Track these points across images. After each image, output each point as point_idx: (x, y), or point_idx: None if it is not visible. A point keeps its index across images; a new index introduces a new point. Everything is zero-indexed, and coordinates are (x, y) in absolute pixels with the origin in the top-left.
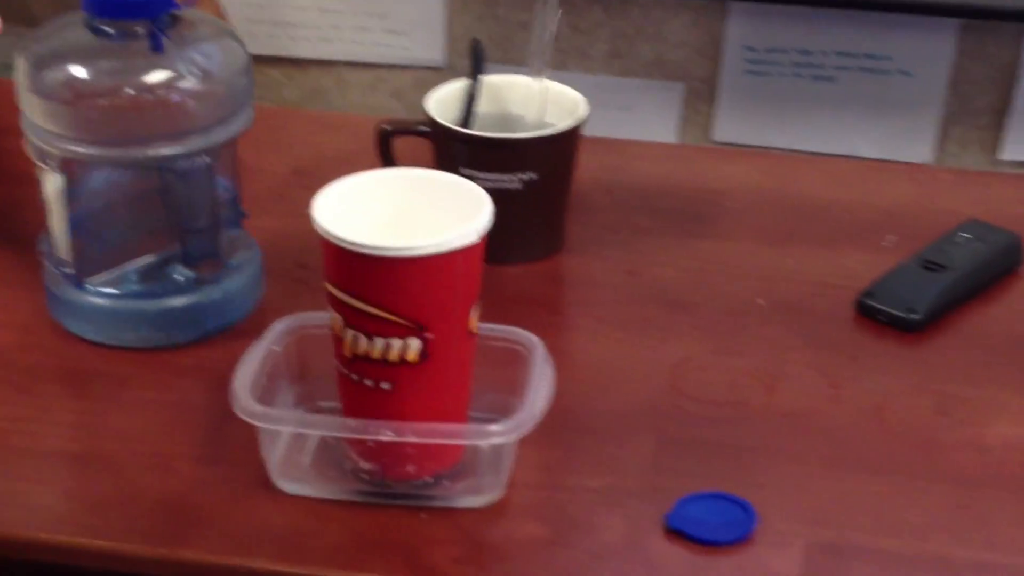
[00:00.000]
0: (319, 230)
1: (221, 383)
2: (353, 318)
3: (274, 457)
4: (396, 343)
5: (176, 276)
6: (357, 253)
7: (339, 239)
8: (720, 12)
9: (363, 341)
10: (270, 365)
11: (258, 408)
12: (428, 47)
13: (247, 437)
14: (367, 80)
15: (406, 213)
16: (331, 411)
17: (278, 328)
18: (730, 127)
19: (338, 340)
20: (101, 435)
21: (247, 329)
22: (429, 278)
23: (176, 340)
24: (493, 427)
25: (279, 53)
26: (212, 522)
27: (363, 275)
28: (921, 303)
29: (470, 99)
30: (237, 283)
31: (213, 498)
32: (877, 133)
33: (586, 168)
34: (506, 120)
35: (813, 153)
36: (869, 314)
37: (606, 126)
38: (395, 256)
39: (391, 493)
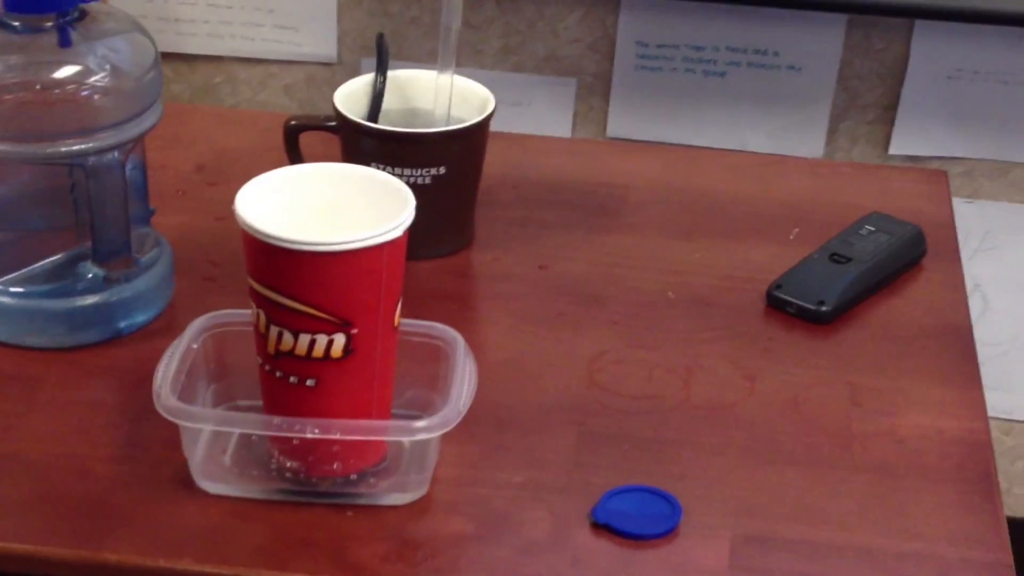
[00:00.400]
0: (243, 225)
1: (135, 383)
2: (278, 315)
3: (196, 457)
4: (322, 339)
5: (87, 274)
6: (283, 248)
7: (265, 234)
8: (612, 8)
9: (288, 338)
10: (188, 363)
11: (182, 407)
12: (319, 42)
13: (166, 437)
14: (258, 76)
15: (329, 208)
16: (250, 409)
17: (196, 325)
18: (623, 122)
19: (261, 337)
20: (16, 438)
21: (158, 328)
22: (356, 273)
23: (87, 340)
24: (419, 423)
25: (168, 49)
26: (134, 523)
27: (289, 271)
28: (830, 295)
29: (377, 94)
30: (148, 281)
31: (134, 499)
32: (768, 128)
33: (490, 163)
34: (412, 115)
35: (706, 148)
36: (779, 306)
37: (500, 122)
38: (322, 251)
39: (316, 491)
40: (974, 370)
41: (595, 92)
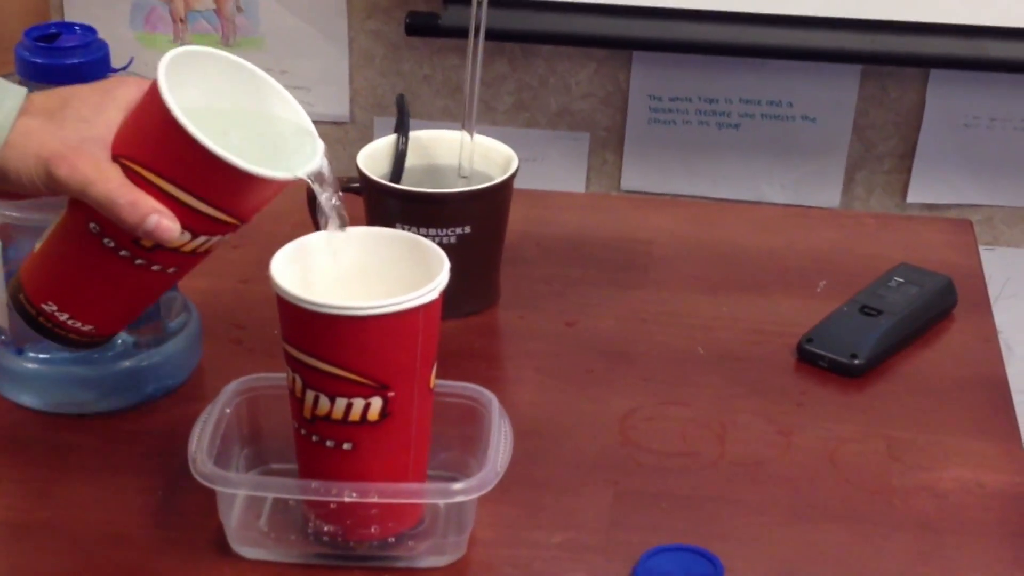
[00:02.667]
0: (278, 291)
1: (167, 447)
2: (314, 379)
3: (232, 522)
4: (359, 403)
5: (117, 340)
6: (320, 313)
7: (301, 300)
8: (624, 62)
9: (324, 402)
10: (222, 428)
11: (219, 472)
12: (331, 102)
13: (200, 502)
14: None
15: (363, 271)
16: (284, 473)
17: (229, 390)
18: (637, 176)
19: (297, 401)
20: (50, 505)
21: (186, 392)
22: (393, 336)
23: (116, 405)
24: (458, 485)
25: None
26: None
27: (326, 335)
28: (862, 348)
29: (399, 155)
30: (176, 346)
31: (172, 565)
32: (784, 179)
33: (511, 220)
34: (434, 174)
35: (724, 200)
36: (810, 360)
37: (516, 178)
38: (359, 315)
39: (353, 555)
40: (1012, 422)
41: (608, 146)
